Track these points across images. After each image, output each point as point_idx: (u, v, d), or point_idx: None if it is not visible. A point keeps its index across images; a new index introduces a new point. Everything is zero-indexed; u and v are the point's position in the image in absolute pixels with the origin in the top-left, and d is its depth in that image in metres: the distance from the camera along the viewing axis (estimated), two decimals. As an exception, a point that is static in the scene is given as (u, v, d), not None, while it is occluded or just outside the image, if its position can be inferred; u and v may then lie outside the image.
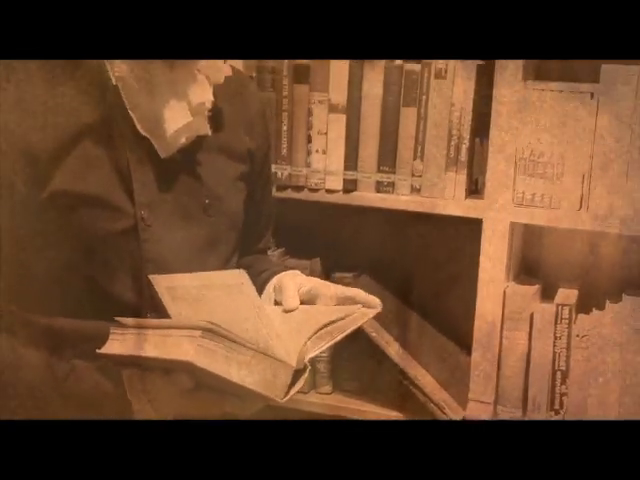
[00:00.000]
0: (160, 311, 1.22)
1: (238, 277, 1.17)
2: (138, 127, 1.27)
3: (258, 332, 1.15)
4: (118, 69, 1.25)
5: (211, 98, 1.33)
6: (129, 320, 1.16)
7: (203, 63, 1.33)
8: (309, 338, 1.19)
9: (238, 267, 1.42)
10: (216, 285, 1.20)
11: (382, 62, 1.85)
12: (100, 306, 1.27)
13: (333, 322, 1.23)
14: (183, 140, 1.31)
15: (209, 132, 1.35)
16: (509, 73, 1.75)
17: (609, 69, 1.70)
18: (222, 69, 1.36)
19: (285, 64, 1.90)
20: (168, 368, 1.13)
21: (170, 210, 1.32)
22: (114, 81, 1.25)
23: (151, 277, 1.20)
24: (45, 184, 1.23)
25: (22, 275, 1.27)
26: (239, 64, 1.89)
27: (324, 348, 1.21)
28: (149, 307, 1.28)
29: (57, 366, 1.25)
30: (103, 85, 1.26)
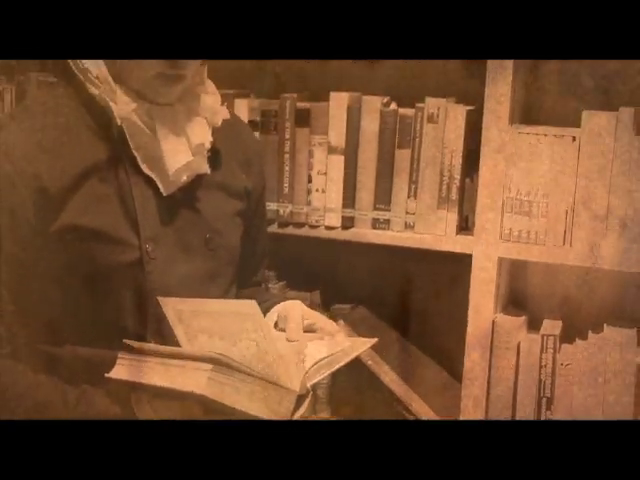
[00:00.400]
0: (164, 339, 1.27)
1: (250, 307, 1.18)
2: (142, 167, 1.32)
3: (265, 360, 1.17)
4: (122, 110, 1.30)
5: (210, 139, 1.38)
6: (141, 345, 1.20)
7: (203, 106, 1.38)
8: (310, 367, 1.22)
9: (237, 298, 1.47)
10: (227, 313, 1.21)
11: (378, 107, 1.90)
12: (105, 334, 1.31)
13: (332, 354, 1.27)
14: (184, 178, 1.36)
15: (208, 171, 1.39)
16: (497, 117, 1.79)
17: (590, 115, 1.77)
18: (220, 112, 1.41)
19: (287, 109, 1.94)
20: (177, 396, 1.17)
21: (173, 243, 1.37)
22: (119, 122, 1.30)
23: (160, 299, 1.22)
24: (55, 218, 1.28)
25: (29, 303, 1.31)
26: (244, 110, 1.97)
27: (324, 375, 1.24)
28: (152, 336, 1.32)
29: (68, 391, 1.29)
30: (110, 126, 1.31)
